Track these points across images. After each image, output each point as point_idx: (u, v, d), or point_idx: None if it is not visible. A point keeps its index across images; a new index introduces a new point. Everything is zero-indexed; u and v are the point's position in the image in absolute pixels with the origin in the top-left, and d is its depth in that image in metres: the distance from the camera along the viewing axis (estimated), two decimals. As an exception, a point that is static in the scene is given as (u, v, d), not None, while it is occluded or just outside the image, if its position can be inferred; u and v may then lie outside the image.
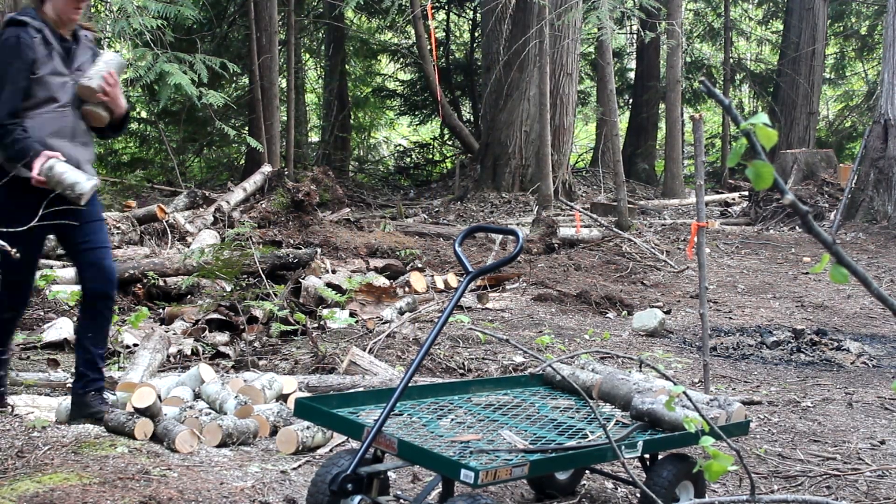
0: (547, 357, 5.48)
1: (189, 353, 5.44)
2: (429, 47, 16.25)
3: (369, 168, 21.36)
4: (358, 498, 2.85)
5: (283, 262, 7.61)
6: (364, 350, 5.36)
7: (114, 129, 4.13)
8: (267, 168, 11.89)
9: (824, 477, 3.88)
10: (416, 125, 22.71)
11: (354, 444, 3.65)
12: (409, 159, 21.62)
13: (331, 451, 3.90)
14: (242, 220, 8.96)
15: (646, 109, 20.35)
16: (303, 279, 7.05)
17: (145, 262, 7.44)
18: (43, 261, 7.32)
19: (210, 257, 7.23)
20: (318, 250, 8.20)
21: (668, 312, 7.49)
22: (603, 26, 11.36)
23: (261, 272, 7.01)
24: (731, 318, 7.64)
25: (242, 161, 17.28)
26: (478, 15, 19.28)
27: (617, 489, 3.70)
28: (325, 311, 6.46)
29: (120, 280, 7.16)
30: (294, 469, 3.64)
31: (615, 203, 12.40)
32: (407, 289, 7.76)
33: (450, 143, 21.21)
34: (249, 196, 10.89)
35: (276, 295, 6.64)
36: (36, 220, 3.59)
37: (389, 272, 8.30)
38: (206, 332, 5.89)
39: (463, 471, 2.62)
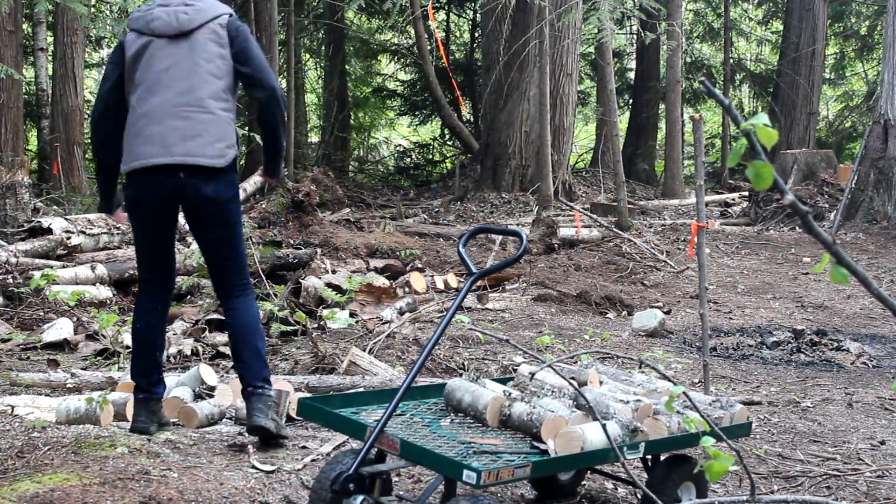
0: (547, 357, 5.48)
1: (189, 353, 5.44)
2: (430, 47, 16.25)
3: (369, 168, 21.37)
4: (360, 498, 2.85)
5: (283, 262, 7.61)
6: (364, 350, 5.36)
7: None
8: (267, 168, 11.87)
9: (824, 477, 3.88)
10: (416, 125, 22.72)
11: (355, 445, 3.65)
12: (409, 159, 21.63)
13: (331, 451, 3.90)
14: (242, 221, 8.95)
15: (646, 110, 20.36)
16: (303, 279, 7.05)
17: (145, 263, 7.43)
18: (42, 261, 7.33)
19: (210, 257, 7.21)
20: (318, 250, 8.20)
21: (668, 313, 7.49)
22: (603, 27, 11.36)
23: (261, 272, 7.00)
24: (731, 318, 7.64)
25: (242, 161, 17.29)
26: (478, 15, 19.30)
27: (617, 489, 3.70)
28: (326, 312, 6.46)
29: (120, 280, 7.19)
30: (296, 469, 3.64)
31: (615, 203, 12.41)
32: (407, 289, 7.77)
33: (450, 143, 21.22)
34: (249, 196, 10.89)
35: (276, 295, 6.65)
36: None
37: (389, 272, 8.30)
38: (206, 332, 5.89)
39: (465, 471, 2.62)
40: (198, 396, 4.42)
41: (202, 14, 3.76)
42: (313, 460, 3.75)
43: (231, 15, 3.86)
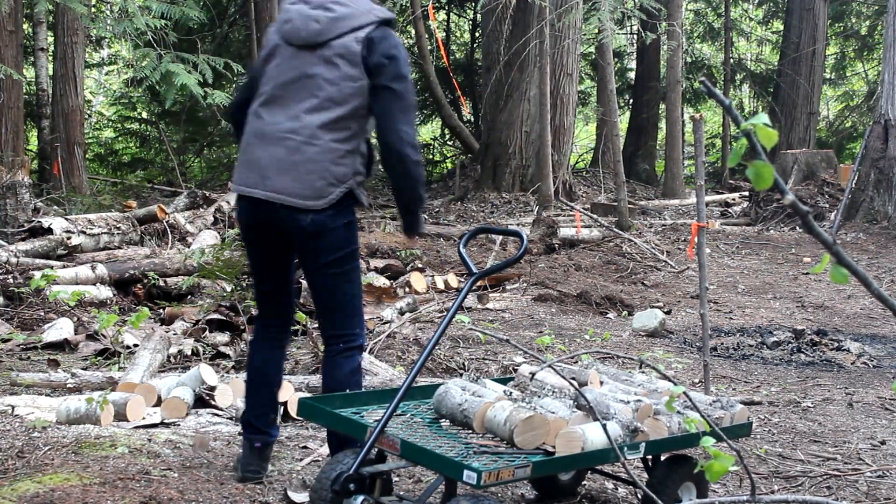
0: (547, 357, 5.48)
1: (189, 353, 5.43)
2: (430, 47, 16.25)
3: (369, 168, 21.35)
4: (360, 498, 2.85)
5: (283, 262, 7.59)
6: (364, 350, 5.36)
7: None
8: (267, 168, 11.86)
9: (824, 477, 3.88)
10: (417, 125, 22.70)
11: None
12: (409, 159, 21.59)
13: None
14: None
15: (646, 110, 20.35)
16: (303, 279, 7.04)
17: (146, 263, 7.45)
18: (42, 261, 7.33)
19: (210, 257, 7.23)
20: (319, 250, 8.18)
21: (668, 313, 7.49)
22: (603, 27, 11.36)
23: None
24: (731, 318, 7.63)
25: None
26: (478, 15, 19.29)
27: (617, 489, 3.70)
28: (326, 312, 6.45)
29: (120, 280, 7.19)
30: (296, 469, 3.64)
31: (615, 203, 12.40)
32: (407, 289, 7.76)
33: (450, 143, 21.22)
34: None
35: (276, 295, 6.63)
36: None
37: (390, 272, 8.30)
38: (207, 332, 5.89)
39: (466, 471, 2.61)
40: (198, 397, 4.42)
41: (338, 24, 3.20)
42: (314, 460, 3.75)
43: (382, 23, 3.24)
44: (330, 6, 3.21)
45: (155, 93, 14.08)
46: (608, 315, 7.56)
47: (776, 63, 20.84)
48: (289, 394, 4.41)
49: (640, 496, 3.46)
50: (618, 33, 16.14)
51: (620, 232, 11.08)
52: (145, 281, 7.15)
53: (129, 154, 18.62)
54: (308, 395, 4.38)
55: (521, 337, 6.45)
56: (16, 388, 4.60)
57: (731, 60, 20.49)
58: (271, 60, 3.29)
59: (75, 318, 6.15)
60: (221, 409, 4.39)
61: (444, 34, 20.85)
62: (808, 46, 18.60)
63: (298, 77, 3.22)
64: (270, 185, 3.20)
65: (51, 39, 13.84)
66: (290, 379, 4.77)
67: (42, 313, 6.26)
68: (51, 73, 13.19)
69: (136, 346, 5.51)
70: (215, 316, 6.06)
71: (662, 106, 19.07)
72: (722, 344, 6.67)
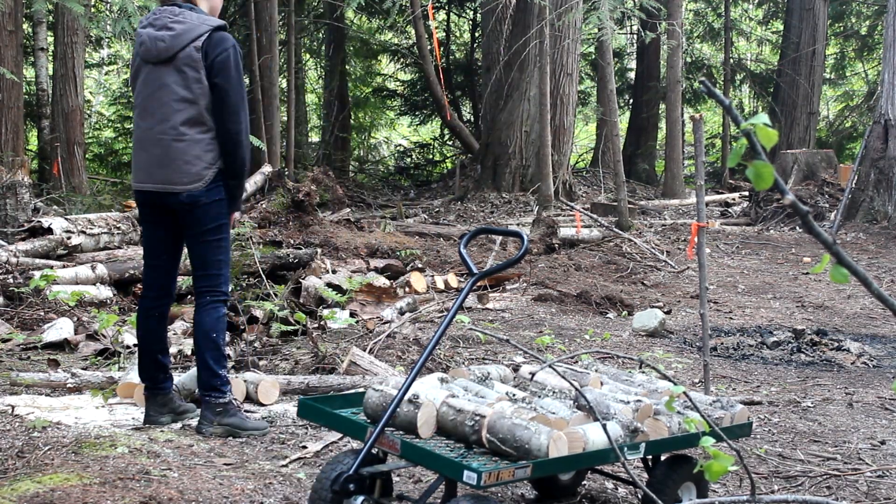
0: (547, 357, 5.48)
1: (189, 353, 5.43)
2: (429, 47, 16.25)
3: (369, 168, 21.37)
4: (360, 498, 2.85)
5: (283, 262, 7.61)
6: (364, 350, 5.36)
7: None
8: (267, 168, 11.88)
9: (824, 477, 3.88)
10: (417, 125, 22.72)
11: (355, 445, 3.65)
12: (409, 159, 21.63)
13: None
14: (242, 221, 8.95)
15: (646, 109, 20.35)
16: (303, 279, 7.05)
17: (145, 263, 7.43)
18: (42, 261, 7.33)
19: (210, 257, 7.22)
20: (319, 250, 8.20)
21: (668, 313, 7.49)
22: (603, 27, 11.36)
23: (261, 272, 7.01)
24: (731, 318, 7.64)
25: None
26: (478, 15, 19.29)
27: (617, 489, 3.70)
28: (326, 312, 6.46)
29: (120, 280, 7.18)
30: (296, 469, 3.64)
31: (615, 203, 12.41)
32: (407, 289, 7.76)
33: (450, 143, 21.22)
34: (249, 196, 10.88)
35: (276, 295, 6.65)
36: None
37: (390, 272, 8.30)
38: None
39: (466, 472, 2.61)
40: (198, 397, 4.41)
41: (179, 39, 3.93)
42: (307, 457, 3.75)
43: (214, 31, 3.96)
44: (171, 25, 3.95)
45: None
46: (608, 315, 7.56)
47: (776, 63, 20.84)
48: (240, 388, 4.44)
49: (640, 496, 3.46)
50: (618, 33, 16.14)
51: (620, 232, 11.09)
52: (145, 281, 7.14)
53: (128, 154, 18.59)
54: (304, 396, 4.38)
55: (521, 337, 6.45)
56: (16, 388, 4.60)
57: (731, 60, 20.49)
58: (137, 78, 4.07)
59: (75, 318, 6.15)
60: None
61: (444, 34, 20.84)
62: (808, 46, 18.60)
63: (159, 87, 3.98)
64: (157, 177, 3.99)
65: (51, 39, 13.84)
66: (290, 379, 4.78)
67: (42, 313, 6.25)
68: (51, 73, 13.19)
69: (136, 346, 5.51)
70: (215, 316, 6.06)
71: (662, 106, 19.07)
72: (722, 344, 6.67)
